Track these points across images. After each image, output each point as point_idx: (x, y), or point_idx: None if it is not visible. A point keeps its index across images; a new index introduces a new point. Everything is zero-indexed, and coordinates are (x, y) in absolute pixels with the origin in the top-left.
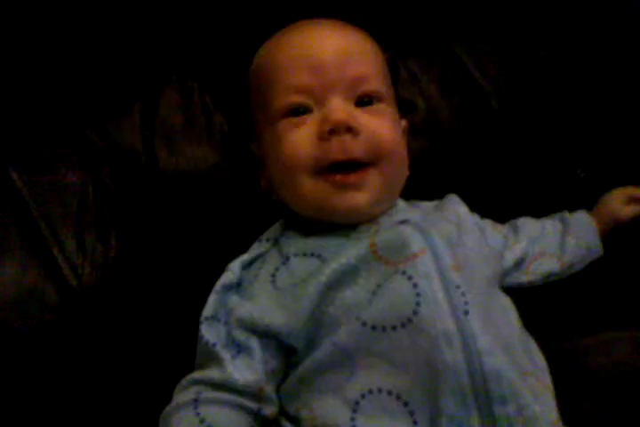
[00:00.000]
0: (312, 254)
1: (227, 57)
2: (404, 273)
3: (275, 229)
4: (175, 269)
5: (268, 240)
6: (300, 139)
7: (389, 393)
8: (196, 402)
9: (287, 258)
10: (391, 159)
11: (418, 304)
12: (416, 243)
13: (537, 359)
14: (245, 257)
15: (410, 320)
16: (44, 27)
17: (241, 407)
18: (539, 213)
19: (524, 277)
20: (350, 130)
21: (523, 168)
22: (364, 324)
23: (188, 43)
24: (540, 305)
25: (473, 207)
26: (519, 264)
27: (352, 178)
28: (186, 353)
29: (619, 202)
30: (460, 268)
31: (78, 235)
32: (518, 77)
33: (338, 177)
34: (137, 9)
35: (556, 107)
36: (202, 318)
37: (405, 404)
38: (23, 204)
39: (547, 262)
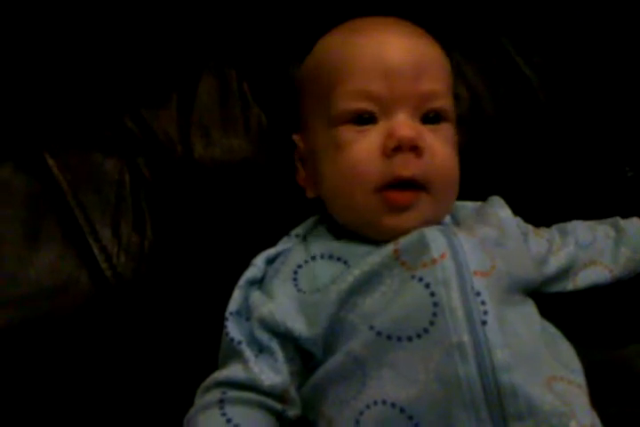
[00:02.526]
0: (338, 259)
1: (266, 44)
2: (420, 280)
3: (306, 226)
4: (206, 260)
5: (297, 236)
6: (365, 151)
7: (393, 406)
8: (221, 402)
9: (313, 257)
10: (446, 184)
11: (435, 315)
12: (437, 247)
13: (568, 361)
14: (271, 251)
15: (426, 331)
16: (86, 12)
17: (267, 408)
18: (584, 213)
19: (571, 285)
20: (415, 148)
21: (569, 165)
22: (379, 333)
23: (227, 29)
24: (585, 310)
25: (515, 206)
26: (566, 271)
27: (406, 198)
28: (213, 346)
29: None
30: (486, 273)
31: (114, 224)
32: (566, 70)
33: (395, 197)
34: None
35: (604, 101)
36: (227, 314)
37: (410, 417)
38: (59, 191)
39: (597, 272)
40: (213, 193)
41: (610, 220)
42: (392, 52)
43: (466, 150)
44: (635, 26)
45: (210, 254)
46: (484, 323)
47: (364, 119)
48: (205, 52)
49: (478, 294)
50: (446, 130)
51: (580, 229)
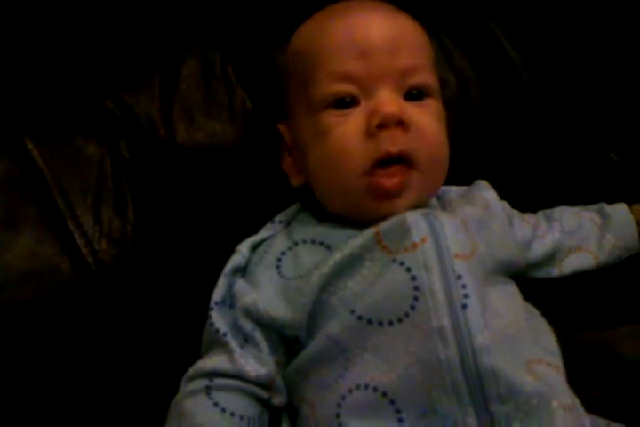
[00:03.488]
0: (321, 243)
1: (251, 26)
2: (402, 264)
3: (289, 212)
4: (189, 245)
5: (280, 222)
6: (349, 134)
7: (375, 390)
8: (208, 389)
9: (295, 243)
10: (435, 160)
11: (415, 299)
12: (418, 231)
13: (547, 344)
14: (255, 238)
15: (407, 315)
16: None
17: (253, 395)
18: (570, 198)
19: (557, 270)
20: (401, 124)
21: (554, 150)
22: (360, 317)
23: (211, 11)
24: (571, 294)
25: (502, 191)
26: (552, 257)
27: (395, 184)
28: (196, 332)
29: None
30: (468, 255)
31: (95, 209)
32: (551, 52)
33: (382, 181)
34: None
35: (589, 85)
36: (212, 303)
37: (392, 401)
38: (40, 175)
39: (582, 258)
40: (196, 177)
41: (596, 206)
42: (366, 30)
43: (453, 135)
44: (618, 11)
45: (192, 239)
46: (464, 306)
47: (346, 103)
48: (189, 34)
49: (459, 277)
50: (431, 105)
51: (566, 215)
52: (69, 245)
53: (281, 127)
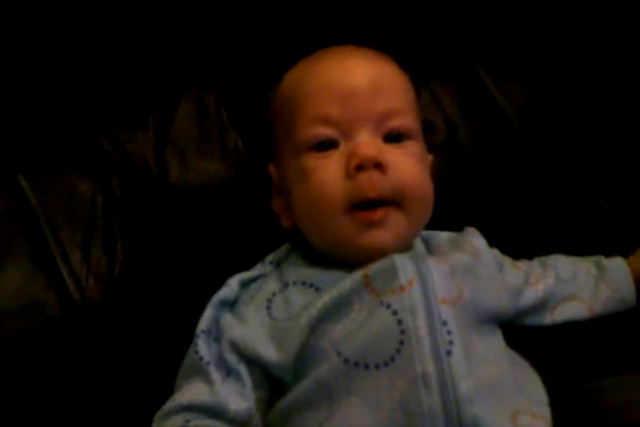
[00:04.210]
0: (311, 285)
1: (246, 70)
2: (388, 306)
3: (279, 253)
4: (178, 283)
5: (271, 263)
6: (328, 176)
7: None
8: None
9: (286, 285)
10: (417, 200)
11: (401, 342)
12: (405, 273)
13: (533, 394)
14: (245, 275)
15: (392, 359)
16: (62, 35)
17: None
18: (561, 245)
19: (548, 318)
20: (379, 166)
21: (544, 197)
22: (347, 360)
23: (206, 54)
24: (558, 344)
25: (492, 238)
26: (544, 304)
27: (377, 215)
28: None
29: None
30: (454, 301)
31: (84, 246)
32: (542, 101)
33: (364, 215)
34: (156, 20)
35: (579, 133)
36: (198, 331)
37: None
38: (31, 212)
39: (575, 308)
40: (187, 216)
41: (593, 257)
42: (345, 74)
43: (442, 180)
44: (607, 57)
45: (181, 278)
46: (449, 353)
47: (326, 145)
48: (184, 76)
49: (445, 323)
50: (411, 147)
51: (562, 263)
52: (57, 281)
53: (271, 168)
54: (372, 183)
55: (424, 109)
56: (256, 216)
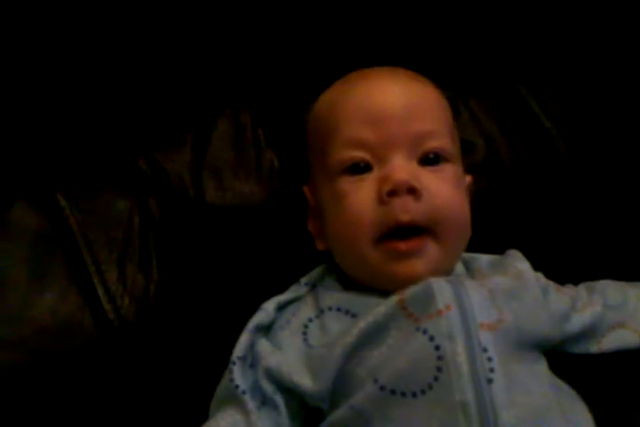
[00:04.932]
0: (347, 312)
1: (282, 90)
2: (425, 332)
3: (315, 274)
4: (212, 304)
5: (306, 284)
6: (361, 201)
7: None
8: None
9: (322, 311)
10: (451, 226)
11: (439, 369)
12: (443, 297)
13: (581, 424)
14: (281, 298)
15: (430, 387)
16: (104, 57)
17: None
18: (609, 271)
19: (596, 347)
20: (412, 191)
21: (590, 219)
22: (383, 387)
23: (243, 74)
24: (607, 372)
25: (536, 261)
26: (592, 332)
27: (411, 245)
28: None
29: None
30: (495, 326)
31: (120, 266)
32: (585, 121)
33: (398, 245)
34: (195, 41)
35: (624, 153)
36: (233, 358)
37: None
38: (69, 230)
39: (625, 336)
40: (223, 236)
41: None
42: (378, 97)
43: (482, 200)
44: None
45: (216, 298)
46: (489, 381)
47: (360, 168)
48: (222, 97)
49: (485, 349)
50: (448, 170)
51: (610, 288)
52: (93, 300)
53: (306, 190)
54: (405, 209)
55: (463, 129)
56: (291, 237)
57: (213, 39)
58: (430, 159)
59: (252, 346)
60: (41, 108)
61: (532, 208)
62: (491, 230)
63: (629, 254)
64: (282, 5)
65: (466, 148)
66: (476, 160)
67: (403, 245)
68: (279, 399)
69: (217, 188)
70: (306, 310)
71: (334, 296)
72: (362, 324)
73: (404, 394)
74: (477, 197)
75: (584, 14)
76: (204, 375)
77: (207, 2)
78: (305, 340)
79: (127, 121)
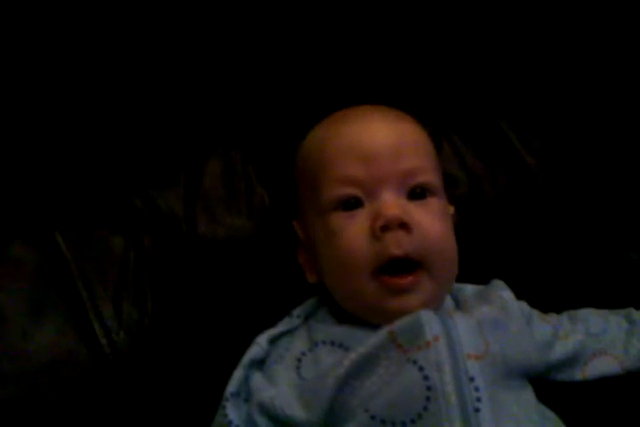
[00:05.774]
0: (340, 345)
1: (272, 128)
2: (415, 362)
3: (307, 306)
4: (206, 337)
5: (298, 316)
6: (355, 237)
7: None
8: None
9: (315, 344)
10: (442, 258)
11: (428, 399)
12: (431, 329)
13: None
14: (274, 331)
15: (420, 416)
16: (96, 97)
17: None
18: (590, 299)
19: (580, 374)
20: (404, 226)
21: (571, 250)
22: (373, 417)
23: (233, 113)
24: (591, 400)
25: (518, 291)
26: (575, 360)
27: (409, 281)
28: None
29: None
30: (482, 356)
31: (115, 300)
32: (566, 154)
33: (397, 281)
34: (186, 82)
35: (605, 185)
36: (227, 394)
37: None
38: (65, 267)
39: (607, 363)
40: (216, 271)
41: (623, 311)
42: (369, 135)
43: (465, 233)
44: (630, 109)
45: (209, 331)
46: (477, 410)
47: (351, 204)
48: (212, 135)
49: (472, 379)
50: (435, 204)
51: (592, 317)
52: (89, 335)
53: (295, 224)
54: (397, 243)
55: (446, 163)
56: (281, 271)
57: (205, 80)
58: (418, 193)
59: (245, 381)
60: (40, 150)
61: (514, 239)
62: (474, 261)
63: (609, 282)
64: (272, 45)
65: (449, 181)
66: (459, 193)
67: (402, 281)
68: None
69: (209, 222)
70: (299, 344)
71: (327, 329)
72: (353, 355)
73: (393, 424)
74: (460, 229)
75: (561, 50)
76: (198, 410)
77: (198, 40)
78: (298, 373)
79: (124, 162)
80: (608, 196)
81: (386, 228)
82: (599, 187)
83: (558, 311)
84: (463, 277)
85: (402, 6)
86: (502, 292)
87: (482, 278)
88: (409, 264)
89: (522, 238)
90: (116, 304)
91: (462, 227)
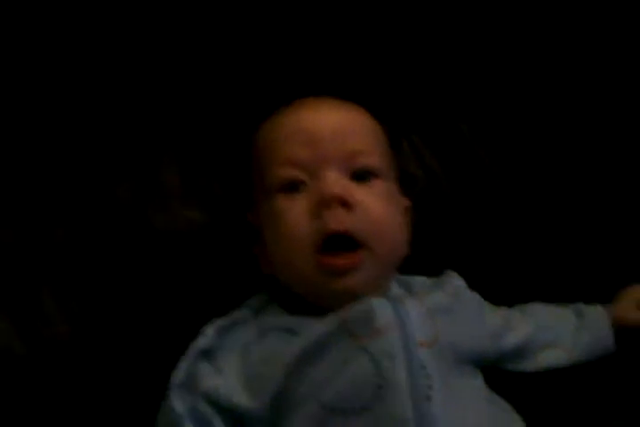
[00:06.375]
0: (290, 330)
1: (227, 122)
2: (366, 351)
3: (258, 299)
4: (154, 328)
5: (249, 308)
6: (295, 217)
7: None
8: None
9: (264, 332)
10: (384, 239)
11: (379, 387)
12: (383, 317)
13: None
14: (222, 322)
15: (371, 405)
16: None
17: None
18: (540, 294)
19: (531, 365)
20: (345, 204)
21: (523, 245)
22: (324, 406)
23: (189, 106)
24: (542, 390)
25: (472, 286)
26: (524, 351)
27: (347, 261)
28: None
29: (631, 304)
30: (432, 344)
31: (56, 289)
32: (523, 154)
33: (334, 262)
34: (147, 74)
35: (559, 184)
36: (171, 384)
37: None
38: (13, 258)
39: (555, 355)
40: (166, 262)
41: (573, 305)
42: (314, 119)
43: (423, 228)
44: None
45: (159, 324)
46: (428, 398)
47: (294, 186)
48: (169, 128)
49: (424, 367)
50: (379, 186)
51: (541, 310)
52: (27, 328)
53: (249, 216)
54: (337, 219)
55: (405, 162)
56: (235, 263)
57: (170, 72)
58: (361, 175)
59: (191, 371)
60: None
61: (468, 234)
62: (431, 256)
63: (560, 276)
64: (232, 36)
65: (408, 180)
66: (417, 190)
67: (339, 261)
68: (218, 422)
69: (162, 214)
70: (247, 333)
71: (277, 318)
72: (302, 342)
73: (344, 412)
74: (418, 225)
75: (521, 50)
76: (144, 401)
77: (154, 36)
78: (245, 361)
79: (80, 155)
80: (561, 193)
81: (326, 205)
82: (554, 186)
83: (510, 305)
84: (420, 271)
85: (365, 7)
86: (456, 280)
87: (438, 273)
88: (350, 244)
89: (476, 233)
90: (57, 293)
91: (420, 223)
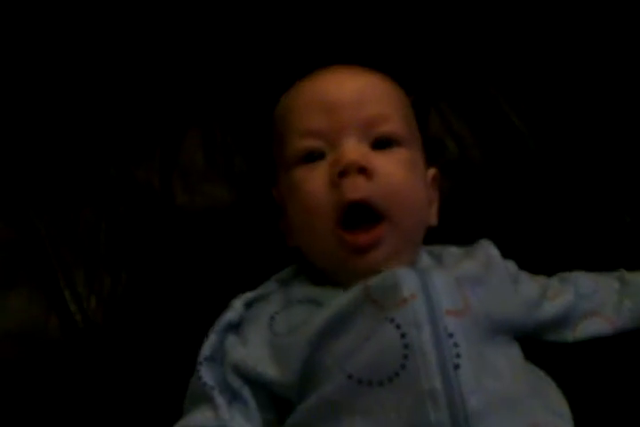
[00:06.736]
0: (314, 301)
1: (250, 99)
2: (392, 320)
3: (287, 273)
4: (182, 306)
5: (277, 281)
6: (315, 187)
7: None
8: None
9: (290, 302)
10: (407, 208)
11: (405, 357)
12: (408, 286)
13: (556, 407)
14: (250, 295)
15: (397, 375)
16: (76, 69)
17: None
18: (583, 262)
19: (571, 335)
20: (364, 171)
21: (563, 213)
22: (350, 377)
23: (211, 84)
24: (582, 360)
25: (509, 255)
26: (565, 320)
27: (364, 240)
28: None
29: None
30: (461, 312)
31: (87, 269)
32: (557, 117)
33: (351, 240)
34: (165, 55)
35: (598, 149)
36: (201, 358)
37: None
38: (38, 238)
39: (597, 324)
40: (193, 239)
41: (615, 273)
42: (331, 87)
43: (455, 198)
44: (624, 74)
45: (186, 301)
46: (456, 367)
47: (313, 157)
48: (191, 107)
49: (451, 335)
50: (401, 153)
51: (582, 279)
52: (59, 303)
53: (274, 191)
54: (355, 187)
55: (434, 130)
56: (262, 238)
57: (183, 52)
58: (382, 142)
59: (220, 344)
60: (16, 123)
61: (504, 204)
62: (463, 228)
63: (602, 245)
64: (246, 14)
65: (436, 148)
66: (447, 159)
67: (361, 239)
68: (247, 393)
69: (186, 191)
70: (274, 304)
71: (303, 290)
72: (327, 312)
73: (370, 383)
74: (449, 194)
75: (553, 15)
76: (175, 375)
77: (172, 15)
78: (271, 331)
79: (101, 137)
80: (601, 159)
81: (343, 173)
82: (592, 151)
83: (548, 275)
84: (452, 241)
85: None
86: (488, 249)
87: (470, 243)
88: (371, 215)
89: (512, 203)
90: (88, 273)
91: (451, 192)
